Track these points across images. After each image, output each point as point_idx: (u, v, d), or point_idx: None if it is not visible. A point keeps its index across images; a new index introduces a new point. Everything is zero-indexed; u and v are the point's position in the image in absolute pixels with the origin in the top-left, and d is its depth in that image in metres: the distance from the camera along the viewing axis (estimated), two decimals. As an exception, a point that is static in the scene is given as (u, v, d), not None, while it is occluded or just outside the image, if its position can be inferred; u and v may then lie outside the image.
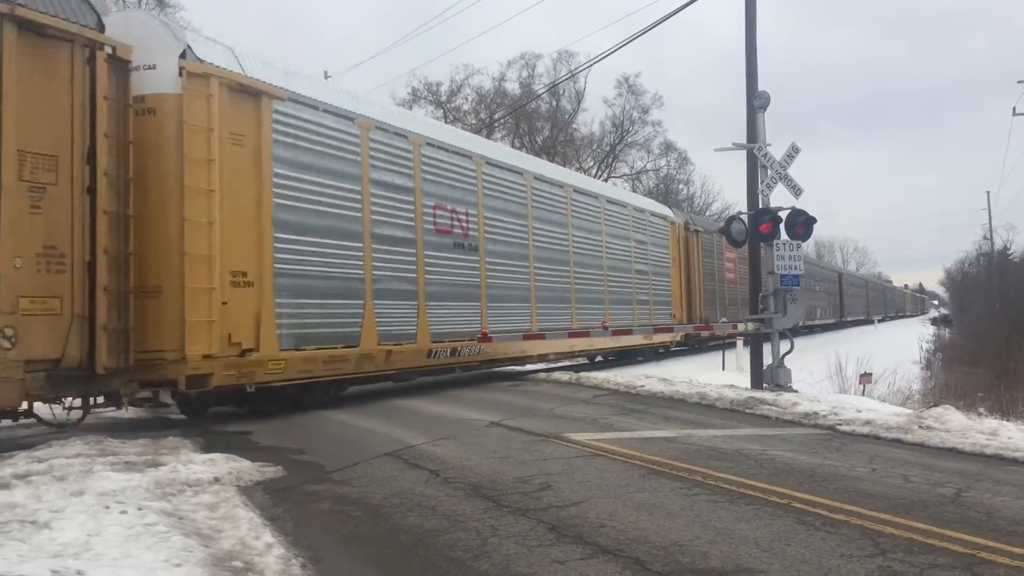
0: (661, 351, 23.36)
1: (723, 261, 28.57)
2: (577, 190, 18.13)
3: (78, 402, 8.14)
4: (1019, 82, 40.15)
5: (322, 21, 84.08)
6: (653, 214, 22.50)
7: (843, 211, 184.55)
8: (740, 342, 22.85)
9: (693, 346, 25.43)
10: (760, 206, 13.05)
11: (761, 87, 13.59)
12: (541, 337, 15.91)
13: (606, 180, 44.51)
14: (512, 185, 15.39)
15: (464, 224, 13.70)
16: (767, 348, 13.31)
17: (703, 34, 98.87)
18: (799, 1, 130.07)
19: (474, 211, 14.00)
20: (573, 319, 17.24)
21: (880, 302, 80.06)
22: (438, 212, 12.96)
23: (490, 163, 14.64)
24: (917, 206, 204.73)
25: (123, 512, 4.99)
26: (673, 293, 23.10)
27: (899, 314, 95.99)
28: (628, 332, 19.63)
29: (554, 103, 47.15)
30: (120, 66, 8.28)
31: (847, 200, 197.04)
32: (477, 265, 14.08)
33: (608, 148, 49.85)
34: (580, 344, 17.84)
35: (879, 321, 69.49)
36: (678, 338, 23.36)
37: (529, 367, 17.94)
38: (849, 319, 56.59)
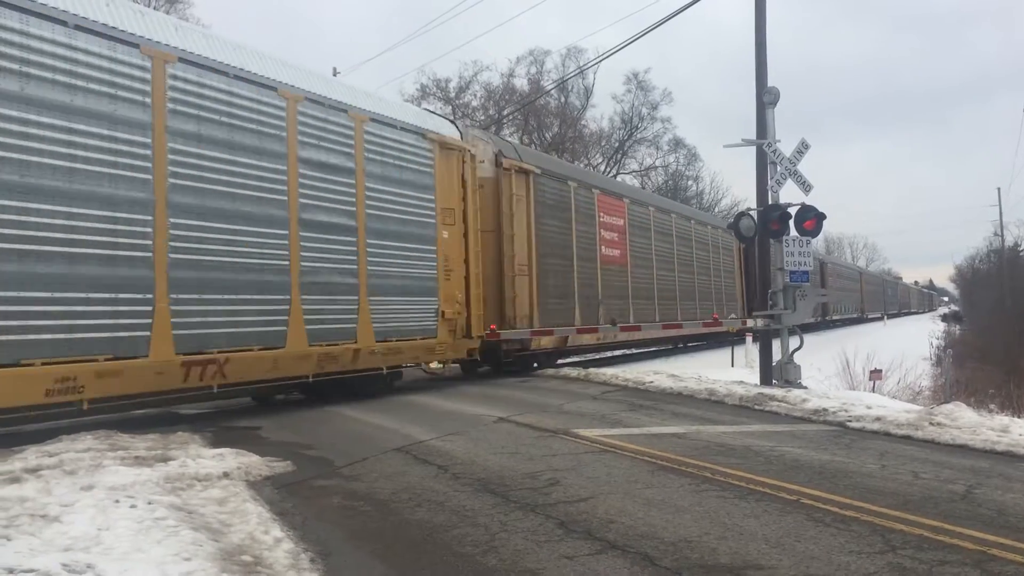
0: (433, 369, 14.06)
1: (594, 227, 18.05)
2: (87, 28, 7.91)
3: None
4: (1031, 77, 39.83)
5: (328, 20, 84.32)
6: (385, 122, 12.01)
7: (852, 207, 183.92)
8: (749, 338, 21.31)
9: (520, 370, 15.56)
10: (769, 202, 13.01)
11: (770, 83, 13.57)
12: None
13: (615, 176, 44.28)
14: None
15: None
16: (776, 344, 13.25)
17: (712, 31, 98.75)
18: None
19: None
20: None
21: (878, 298, 72.46)
22: None
23: None
24: (926, 202, 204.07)
25: (133, 506, 5.01)
26: (449, 274, 13.20)
27: (903, 311, 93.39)
28: (341, 344, 10.78)
29: (563, 99, 47.07)
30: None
31: (856, 196, 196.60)
32: None
33: (617, 144, 49.78)
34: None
35: (889, 318, 68.74)
36: (448, 354, 13.32)
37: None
38: (836, 318, 47.62)
